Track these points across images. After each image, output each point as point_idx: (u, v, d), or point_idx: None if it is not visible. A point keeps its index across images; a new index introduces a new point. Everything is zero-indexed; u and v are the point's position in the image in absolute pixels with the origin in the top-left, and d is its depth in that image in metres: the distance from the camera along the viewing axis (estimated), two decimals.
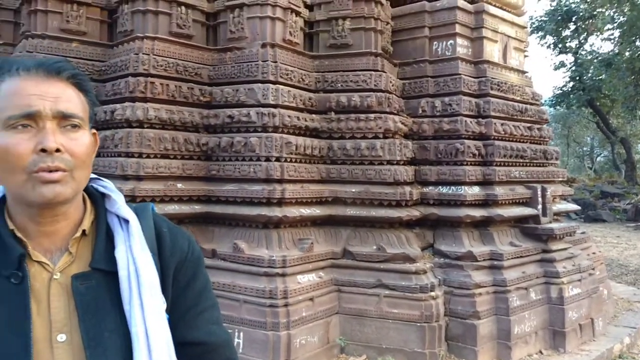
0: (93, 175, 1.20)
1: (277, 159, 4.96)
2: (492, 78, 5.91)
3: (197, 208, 5.05)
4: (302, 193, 5.06)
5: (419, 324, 4.81)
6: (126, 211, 1.16)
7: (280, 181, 4.95)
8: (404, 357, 4.80)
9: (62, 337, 1.05)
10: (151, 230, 1.18)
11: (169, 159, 4.98)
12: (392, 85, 5.63)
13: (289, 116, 5.11)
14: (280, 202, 4.90)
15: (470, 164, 5.56)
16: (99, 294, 1.08)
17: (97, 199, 1.18)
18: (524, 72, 6.60)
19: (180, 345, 1.14)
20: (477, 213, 5.42)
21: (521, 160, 5.98)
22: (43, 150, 1.01)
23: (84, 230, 1.12)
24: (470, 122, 5.63)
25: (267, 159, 4.94)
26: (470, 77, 5.85)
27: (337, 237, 5.35)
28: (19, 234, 1.07)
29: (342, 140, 5.42)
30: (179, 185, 4.98)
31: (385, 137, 5.34)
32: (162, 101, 5.02)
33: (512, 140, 5.95)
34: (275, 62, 5.21)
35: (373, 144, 5.28)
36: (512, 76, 6.30)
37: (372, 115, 5.35)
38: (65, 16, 5.38)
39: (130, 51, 5.14)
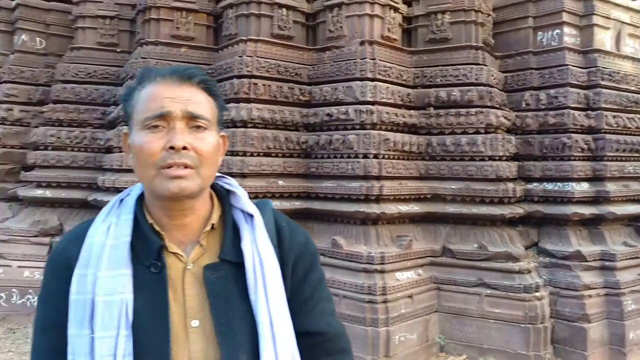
0: (218, 174, 1.27)
1: (375, 156, 4.98)
2: (603, 68, 5.56)
3: (297, 204, 5.19)
4: (400, 190, 5.05)
5: (522, 325, 4.65)
6: (250, 207, 1.23)
7: (378, 178, 4.97)
8: (506, 359, 4.67)
9: (195, 323, 1.13)
10: (272, 224, 1.25)
11: (270, 157, 5.15)
12: (494, 79, 5.46)
13: (387, 113, 5.11)
14: (378, 199, 4.92)
15: (579, 159, 5.28)
16: (227, 283, 1.16)
17: (223, 195, 1.26)
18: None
19: (297, 334, 1.19)
20: (586, 211, 5.14)
21: (636, 155, 5.59)
22: (172, 148, 1.09)
23: (212, 224, 1.20)
24: (579, 115, 5.34)
25: (365, 156, 4.98)
26: (579, 67, 5.54)
27: (436, 234, 5.29)
28: (156, 227, 1.17)
29: (441, 136, 5.34)
30: (280, 182, 5.14)
31: (487, 132, 5.19)
32: (264, 101, 5.21)
33: (625, 134, 5.57)
34: (374, 59, 5.23)
35: (474, 139, 5.16)
36: (625, 65, 5.89)
37: (472, 110, 5.22)
38: (175, 23, 5.72)
39: (234, 54, 5.37)
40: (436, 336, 4.90)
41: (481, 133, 5.20)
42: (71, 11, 6.49)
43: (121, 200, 1.23)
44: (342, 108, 5.14)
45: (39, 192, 6.02)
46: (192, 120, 1.13)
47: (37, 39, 6.87)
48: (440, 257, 5.15)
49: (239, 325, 1.14)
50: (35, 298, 5.60)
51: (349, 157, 5.05)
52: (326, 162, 5.18)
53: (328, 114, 5.21)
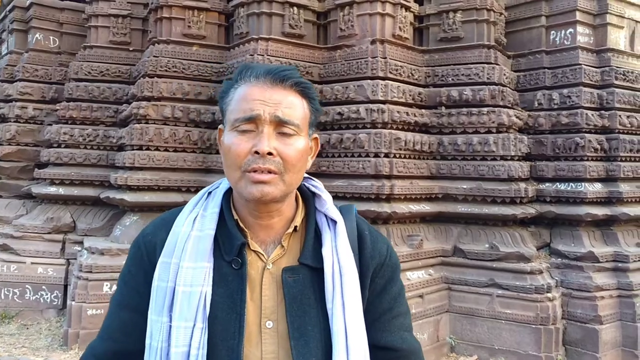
0: (305, 175, 1.25)
1: (386, 155, 4.97)
2: (617, 67, 5.51)
3: None
4: (411, 189, 5.04)
5: (534, 326, 4.63)
6: (335, 212, 1.21)
7: (389, 177, 4.96)
8: None
9: (269, 324, 1.13)
10: (354, 231, 1.22)
11: None
12: (506, 78, 5.43)
13: (398, 112, 5.10)
14: (389, 198, 4.91)
15: (592, 159, 5.24)
16: (304, 288, 1.15)
17: (308, 197, 1.24)
18: None
19: (371, 347, 1.16)
20: (599, 211, 5.10)
21: None
22: (257, 152, 1.09)
23: (295, 227, 1.19)
24: (592, 114, 5.30)
25: (376, 155, 4.97)
26: (592, 67, 5.49)
27: (447, 234, 5.27)
28: (241, 224, 1.17)
29: (452, 135, 5.32)
30: None
31: (499, 131, 5.17)
32: None
33: (639, 134, 5.52)
34: (385, 58, 5.22)
35: (486, 138, 5.13)
36: None
37: (484, 109, 5.20)
38: (187, 22, 5.75)
39: (245, 52, 5.38)
40: (447, 336, 4.89)
41: (493, 132, 5.18)
42: (84, 10, 6.53)
43: (209, 193, 1.24)
44: (353, 107, 5.14)
45: (53, 190, 6.07)
46: (281, 125, 1.11)
47: (51, 37, 6.93)
48: (451, 257, 5.13)
49: (312, 331, 1.13)
50: (49, 294, 5.66)
51: (360, 156, 5.05)
52: (337, 161, 5.18)
53: (339, 113, 5.21)
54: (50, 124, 6.40)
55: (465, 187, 5.17)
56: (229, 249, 1.15)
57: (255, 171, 1.09)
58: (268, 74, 1.14)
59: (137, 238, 1.25)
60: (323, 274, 1.14)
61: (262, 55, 5.21)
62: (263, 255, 1.17)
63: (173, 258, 1.13)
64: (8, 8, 7.27)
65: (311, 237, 1.19)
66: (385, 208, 4.82)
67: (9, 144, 6.57)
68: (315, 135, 1.22)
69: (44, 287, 5.67)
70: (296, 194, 1.23)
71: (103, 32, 6.40)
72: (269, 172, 1.09)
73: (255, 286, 1.14)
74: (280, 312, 1.13)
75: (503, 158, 5.11)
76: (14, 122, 6.62)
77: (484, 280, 4.89)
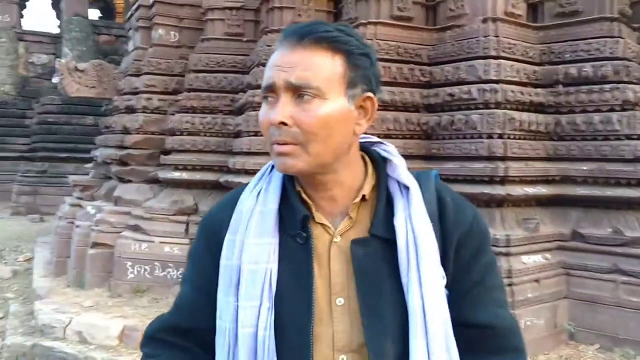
0: (376, 139, 1.17)
1: (500, 136, 4.85)
2: None
3: None
4: (526, 171, 4.88)
5: None
6: (407, 177, 1.11)
7: (503, 159, 4.84)
8: None
9: (340, 301, 1.06)
10: (433, 198, 1.11)
11: (391, 139, 5.18)
12: (631, 52, 5.08)
13: (512, 91, 4.95)
14: (503, 181, 4.79)
15: None
16: (376, 261, 1.06)
17: (378, 163, 1.14)
18: None
19: (459, 325, 1.06)
20: None
21: None
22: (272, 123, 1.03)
23: (363, 196, 1.10)
24: None
25: (489, 136, 4.86)
26: None
27: (565, 218, 5.06)
28: (304, 196, 1.10)
29: (571, 115, 5.08)
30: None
31: (624, 109, 4.85)
32: (384, 83, 5.23)
33: None
34: (497, 36, 5.07)
35: (608, 117, 4.85)
36: None
37: (607, 86, 4.91)
38: (297, 10, 5.93)
39: None
40: (565, 323, 4.72)
41: (617, 110, 4.87)
42: (201, 5, 6.92)
43: (273, 166, 1.16)
44: (465, 87, 5.05)
45: (177, 175, 6.53)
46: (297, 90, 1.01)
47: (172, 32, 7.40)
48: (569, 241, 4.92)
49: (386, 308, 1.04)
50: (175, 272, 6.13)
51: (472, 137, 4.96)
52: (448, 143, 5.12)
53: (450, 94, 5.14)
54: (173, 114, 6.87)
55: (585, 168, 4.92)
56: (293, 222, 1.08)
57: (276, 143, 1.03)
58: (290, 35, 1.04)
59: (204, 217, 1.22)
60: (396, 246, 1.05)
61: (371, 40, 5.25)
62: (330, 227, 1.09)
63: (238, 235, 1.09)
64: (134, 7, 7.86)
65: (382, 205, 1.09)
66: (499, 190, 4.72)
67: (137, 133, 7.13)
68: (369, 94, 1.07)
69: (170, 264, 6.15)
70: (365, 161, 1.14)
71: (218, 24, 6.74)
72: (287, 143, 1.01)
73: (323, 261, 1.07)
74: (351, 288, 1.05)
75: (628, 137, 4.80)
76: (141, 112, 7.16)
77: (607, 266, 4.65)
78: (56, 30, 19.61)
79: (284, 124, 1.01)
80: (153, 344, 1.20)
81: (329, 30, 1.03)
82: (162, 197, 6.66)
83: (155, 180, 6.98)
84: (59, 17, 19.80)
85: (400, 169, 1.12)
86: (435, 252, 1.06)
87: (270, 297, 1.04)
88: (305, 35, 1.02)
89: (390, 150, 1.16)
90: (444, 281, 1.07)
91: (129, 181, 7.16)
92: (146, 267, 6.16)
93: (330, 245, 1.08)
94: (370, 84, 1.08)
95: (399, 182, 1.11)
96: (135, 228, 6.34)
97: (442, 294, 1.05)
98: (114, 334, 4.90)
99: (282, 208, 1.10)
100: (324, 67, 1.01)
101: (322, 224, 1.10)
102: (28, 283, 7.13)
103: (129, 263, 6.15)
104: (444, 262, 1.07)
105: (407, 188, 1.09)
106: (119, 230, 6.48)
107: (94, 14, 21.22)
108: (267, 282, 1.04)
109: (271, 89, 1.04)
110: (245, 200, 1.12)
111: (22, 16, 18.78)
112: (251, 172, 5.58)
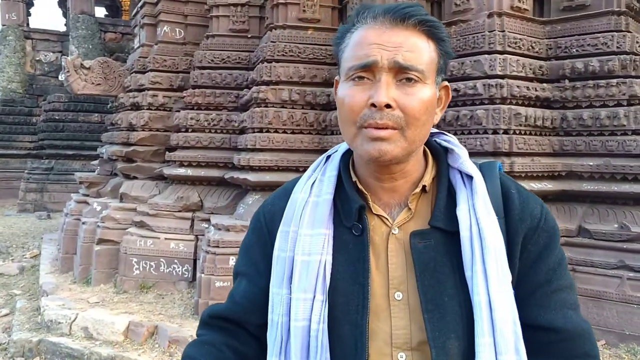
0: (435, 130, 1.12)
1: (505, 132, 4.83)
2: None
3: None
4: (532, 167, 4.86)
5: None
6: (470, 167, 1.06)
7: (508, 154, 4.81)
8: None
9: (399, 295, 1.01)
10: (497, 190, 1.05)
11: None
12: (639, 46, 5.03)
13: (517, 86, 4.92)
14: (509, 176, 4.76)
15: None
16: (437, 254, 1.01)
17: (439, 154, 1.10)
18: None
19: (525, 326, 1.00)
20: None
21: None
22: (373, 105, 0.96)
23: (424, 186, 1.06)
24: None
25: (495, 132, 4.84)
26: None
27: (571, 213, 5.03)
28: (360, 186, 1.06)
29: (577, 110, 5.04)
30: None
31: (631, 104, 4.82)
32: None
33: None
34: (503, 31, 5.04)
35: (615, 112, 4.81)
36: None
37: (613, 81, 4.87)
38: (302, 6, 5.91)
39: None
40: None
41: (624, 105, 4.84)
42: (206, 2, 6.91)
43: (328, 157, 1.14)
44: (470, 83, 5.02)
45: (182, 171, 6.54)
46: (401, 72, 0.96)
47: (177, 29, 7.40)
48: (575, 237, 4.90)
49: (449, 304, 0.99)
50: (180, 268, 6.14)
51: (477, 133, 4.94)
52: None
53: (455, 89, 5.11)
54: (178, 110, 6.88)
55: (591, 164, 4.90)
56: (348, 213, 1.04)
57: (372, 127, 0.96)
58: (387, 13, 0.98)
59: (258, 209, 1.19)
60: (459, 238, 1.00)
61: None
62: (387, 219, 1.05)
63: (292, 226, 1.06)
64: (139, 5, 7.87)
65: (443, 196, 1.04)
66: None
67: (143, 130, 7.14)
68: (446, 83, 1.07)
69: (176, 260, 6.16)
70: (425, 151, 1.09)
71: (223, 21, 6.74)
72: (387, 127, 0.96)
73: (380, 254, 1.03)
74: (411, 282, 1.01)
75: (635, 132, 4.77)
76: (147, 109, 7.18)
77: (613, 261, 4.62)
78: (63, 29, 19.74)
79: (389, 106, 0.95)
80: (204, 328, 1.19)
81: (427, 14, 1.00)
82: (167, 193, 6.67)
83: (160, 177, 6.99)
84: (65, 15, 19.92)
85: (463, 159, 1.07)
86: (502, 245, 1.00)
87: (324, 290, 1.00)
88: (409, 16, 0.98)
89: (451, 140, 1.12)
90: (510, 278, 1.00)
91: (135, 178, 7.19)
92: (152, 263, 6.17)
93: (388, 237, 1.04)
94: (446, 74, 1.07)
95: (461, 172, 1.06)
96: (141, 224, 6.36)
97: (510, 290, 0.99)
98: (119, 329, 4.92)
99: (337, 199, 1.07)
100: (425, 50, 0.99)
101: (379, 215, 1.06)
102: (35, 279, 7.17)
103: (135, 259, 6.17)
104: (510, 259, 1.01)
105: (470, 178, 1.05)
106: (125, 226, 6.51)
107: (100, 12, 21.33)
108: (321, 275, 1.01)
109: (369, 68, 0.97)
110: (299, 191, 1.09)
111: (29, 14, 18.89)
112: (256, 169, 5.58)
